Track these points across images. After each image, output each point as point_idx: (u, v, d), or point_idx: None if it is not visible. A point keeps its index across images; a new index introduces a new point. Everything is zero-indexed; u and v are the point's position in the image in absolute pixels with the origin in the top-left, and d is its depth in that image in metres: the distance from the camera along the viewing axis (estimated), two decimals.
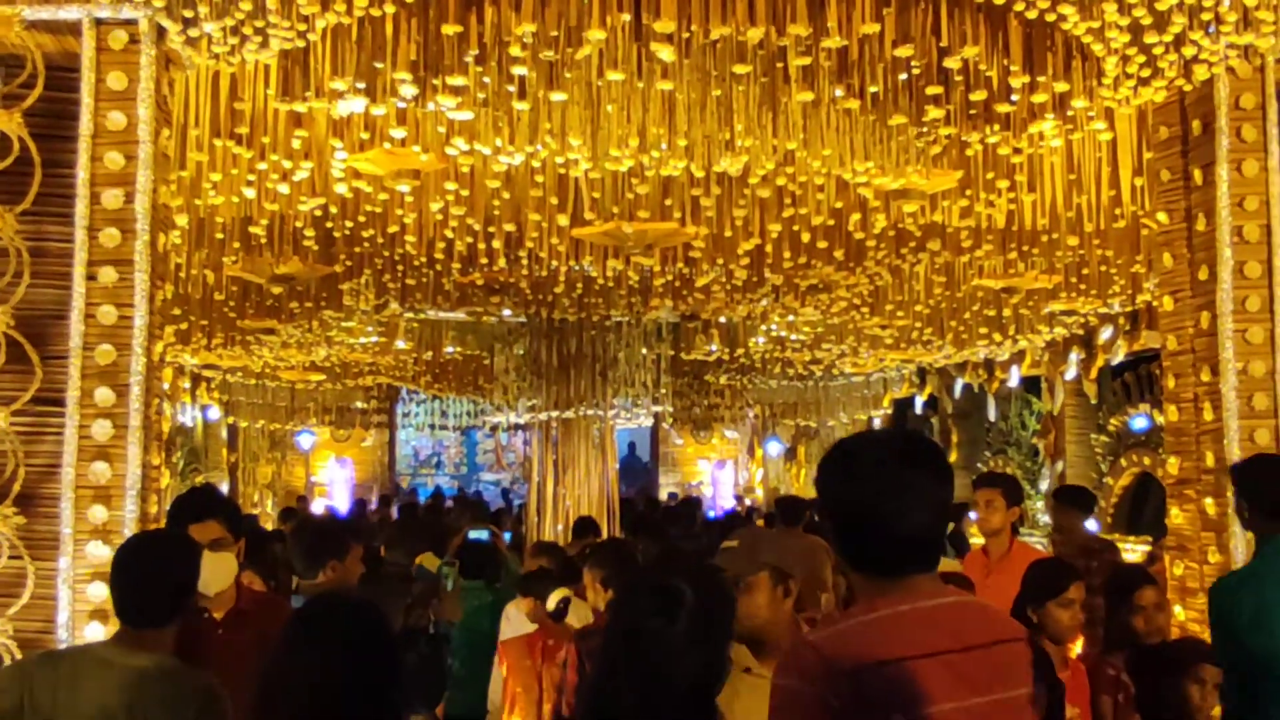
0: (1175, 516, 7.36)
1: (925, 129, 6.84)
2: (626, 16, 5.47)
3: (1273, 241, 6.89)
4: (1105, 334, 14.11)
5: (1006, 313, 13.13)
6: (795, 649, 2.90)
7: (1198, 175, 7.07)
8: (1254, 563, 5.56)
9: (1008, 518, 7.64)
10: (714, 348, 16.15)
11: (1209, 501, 6.93)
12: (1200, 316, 7.02)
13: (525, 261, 10.31)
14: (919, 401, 21.00)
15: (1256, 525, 5.53)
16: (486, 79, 6.15)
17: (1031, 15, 5.62)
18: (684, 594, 3.23)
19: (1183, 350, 7.27)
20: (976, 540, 11.73)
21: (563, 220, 8.44)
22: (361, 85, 6.09)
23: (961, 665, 2.71)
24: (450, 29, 5.59)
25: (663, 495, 26.68)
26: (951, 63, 5.84)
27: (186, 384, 17.95)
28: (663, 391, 15.80)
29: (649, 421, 17.95)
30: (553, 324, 14.50)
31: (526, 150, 7.02)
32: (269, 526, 17.62)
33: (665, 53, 5.52)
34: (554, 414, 14.86)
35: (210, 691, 3.89)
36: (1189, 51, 6.13)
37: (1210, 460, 6.92)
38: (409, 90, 6.05)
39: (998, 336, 14.28)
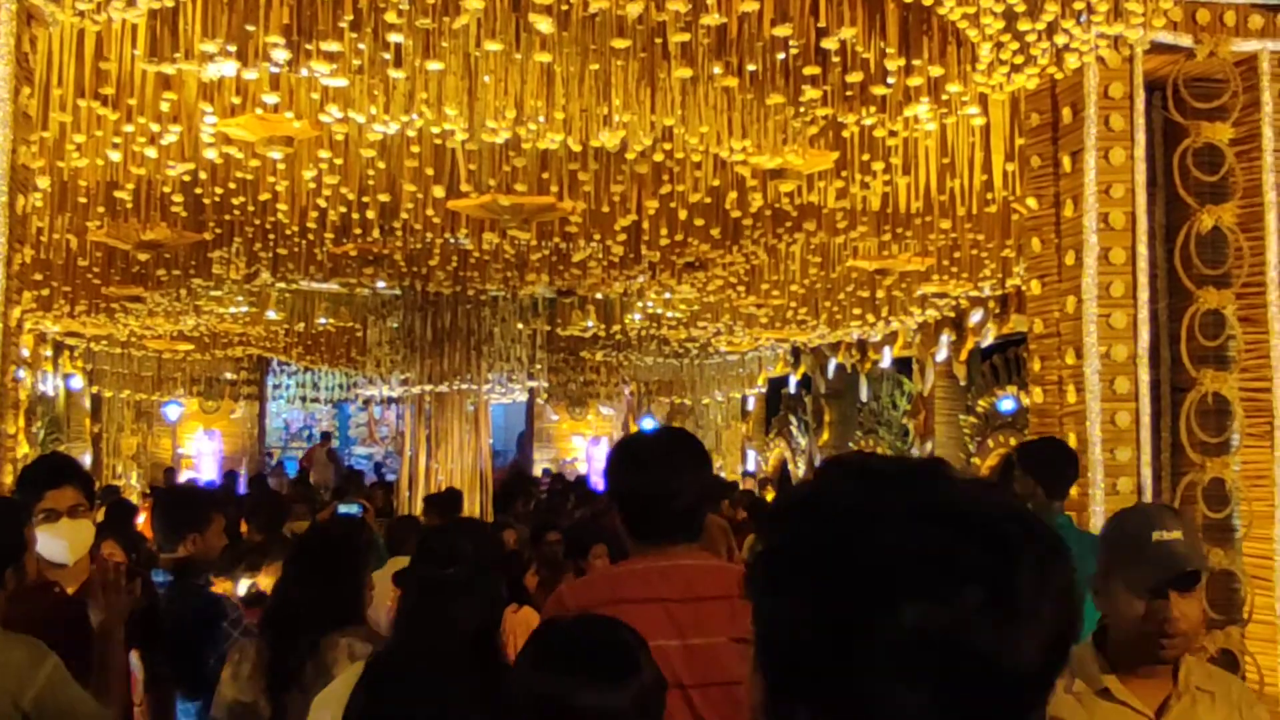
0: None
1: (802, 109, 6.86)
2: None
3: (1137, 229, 7.05)
4: (975, 317, 14.37)
5: (880, 294, 13.30)
6: (554, 595, 3.58)
7: (1067, 162, 7.20)
8: None
9: None
10: (590, 324, 16.14)
11: None
12: (1066, 301, 7.15)
13: (400, 233, 10.19)
14: (793, 380, 21.20)
15: (1041, 503, 6.02)
16: (362, 45, 6.04)
17: None
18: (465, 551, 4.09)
19: (1049, 333, 7.41)
20: None
21: (438, 192, 8.33)
22: (233, 48, 5.94)
23: (678, 612, 3.25)
24: None
25: (537, 471, 26.61)
26: (829, 43, 5.86)
27: (48, 351, 17.49)
28: (538, 367, 15.75)
29: (524, 397, 17.90)
30: (427, 297, 14.35)
31: (402, 119, 6.91)
32: (134, 499, 17.22)
33: (544, 24, 5.46)
34: (427, 388, 14.72)
35: (34, 653, 3.70)
36: (1061, 40, 6.23)
37: (1073, 442, 7.05)
38: (281, 55, 5.92)
39: (871, 317, 14.47)
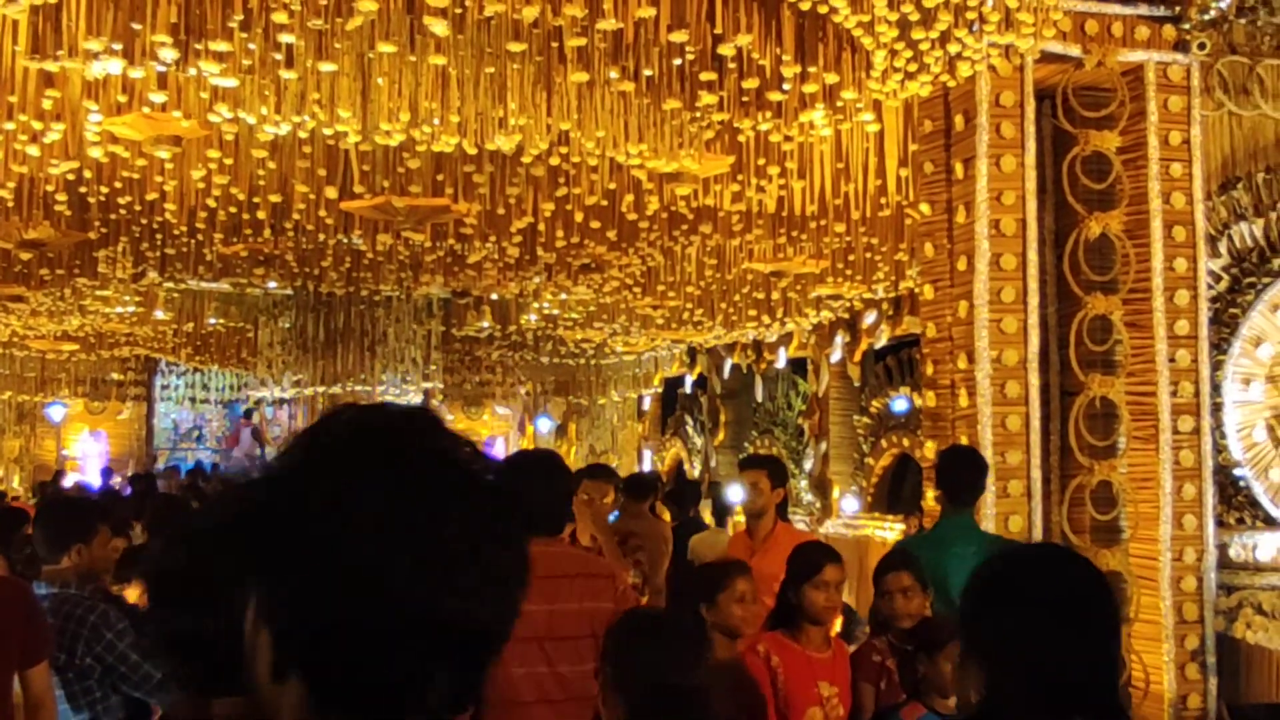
0: (930, 499, 7.59)
1: (699, 114, 6.86)
2: None
3: (1027, 235, 7.15)
4: (869, 318, 14.49)
5: (775, 296, 13.36)
6: None
7: (959, 169, 7.28)
8: (933, 530, 6.30)
9: (772, 499, 7.72)
10: (486, 324, 16.03)
11: None
12: (958, 305, 7.24)
13: (291, 233, 10.03)
14: (689, 380, 21.25)
15: (945, 507, 6.30)
16: (252, 45, 5.92)
17: (805, 6, 5.68)
18: None
19: (941, 338, 7.49)
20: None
21: (331, 193, 8.21)
22: (118, 47, 5.79)
23: (543, 585, 4.11)
24: None
25: None
26: (726, 50, 5.86)
27: None
28: (433, 368, 15.61)
29: (419, 398, 17.73)
30: (320, 297, 14.14)
31: (294, 120, 6.79)
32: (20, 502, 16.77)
33: (438, 27, 5.39)
34: (320, 389, 14.53)
35: None
36: (954, 49, 6.28)
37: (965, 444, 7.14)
38: (169, 54, 5.78)
39: (766, 318, 14.53)
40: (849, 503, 16.47)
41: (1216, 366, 8.12)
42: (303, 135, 7.42)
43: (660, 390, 22.98)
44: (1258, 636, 7.10)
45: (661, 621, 4.22)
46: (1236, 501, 8.30)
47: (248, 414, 28.71)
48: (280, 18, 5.47)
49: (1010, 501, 7.01)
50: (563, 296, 14.06)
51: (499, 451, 29.10)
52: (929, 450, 7.60)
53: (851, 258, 11.15)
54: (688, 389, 21.93)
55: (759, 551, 7.56)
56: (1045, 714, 2.52)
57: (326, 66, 6.05)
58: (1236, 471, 8.21)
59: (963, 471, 6.37)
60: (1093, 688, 2.55)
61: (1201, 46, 7.49)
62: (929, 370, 7.70)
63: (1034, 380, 7.12)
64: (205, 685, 2.32)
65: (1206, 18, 7.47)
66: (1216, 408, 8.03)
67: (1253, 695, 7.02)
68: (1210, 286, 8.16)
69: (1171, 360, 7.34)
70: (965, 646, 2.84)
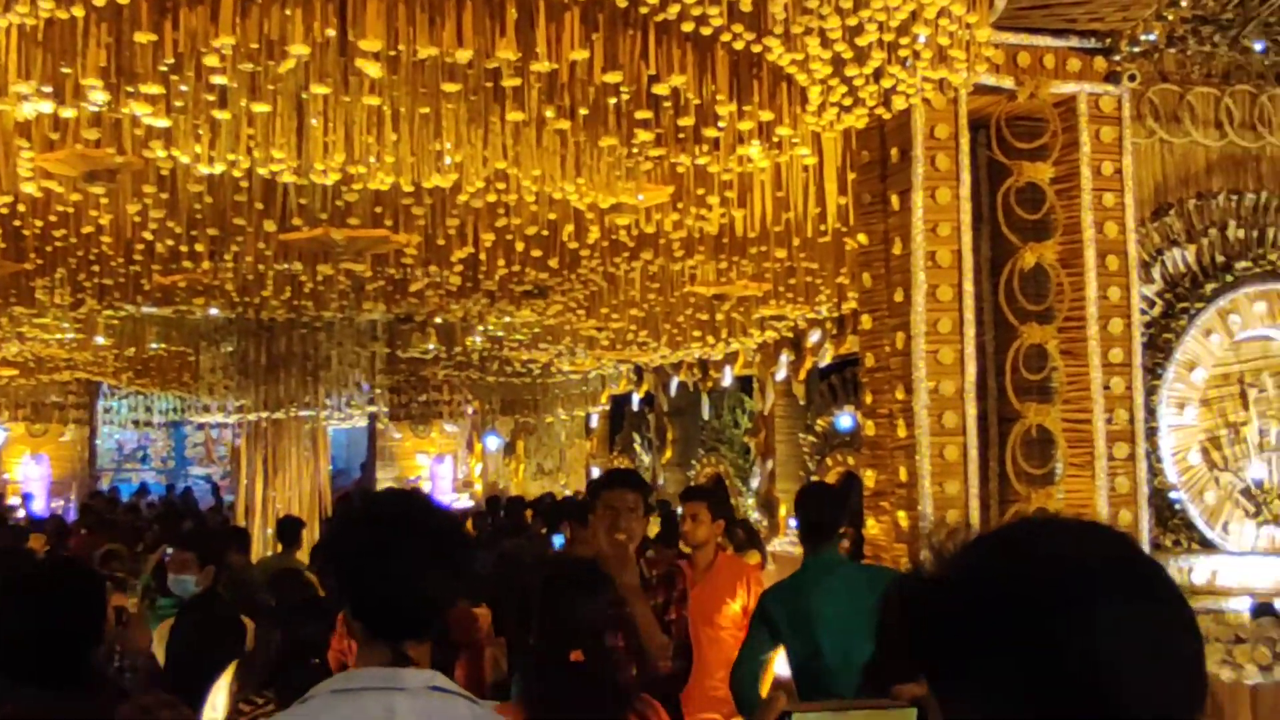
0: (871, 527, 7.63)
1: (636, 149, 6.88)
2: (332, 31, 5.30)
3: (963, 266, 7.20)
4: (814, 337, 14.56)
5: (719, 317, 13.40)
6: None
7: (895, 200, 7.33)
8: (795, 574, 6.23)
9: (713, 530, 7.75)
10: (431, 346, 15.99)
11: (901, 514, 7.21)
12: (896, 336, 7.28)
13: (231, 264, 9.96)
14: (635, 399, 21.27)
15: (805, 548, 6.24)
16: (184, 87, 5.89)
17: (738, 46, 5.70)
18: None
19: (880, 367, 7.54)
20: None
21: (269, 226, 8.17)
22: (48, 89, 5.74)
23: None
24: (143, 37, 5.31)
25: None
26: (660, 89, 5.88)
27: None
28: (377, 391, 15.53)
29: (363, 422, 17.66)
30: (261, 323, 14.04)
31: (229, 158, 6.75)
32: None
33: (371, 69, 5.38)
34: (264, 414, 14.43)
35: None
36: (887, 83, 6.33)
37: (904, 475, 7.19)
38: (99, 96, 5.74)
39: (711, 339, 14.56)
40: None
41: (1151, 391, 8.22)
42: (237, 174, 7.36)
43: (608, 408, 23.00)
44: None
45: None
46: (1173, 524, 8.40)
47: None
48: (211, 61, 5.44)
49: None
50: (507, 319, 14.04)
51: (447, 470, 29.07)
52: (869, 479, 7.64)
53: (793, 281, 11.20)
54: (635, 406, 21.96)
55: (700, 582, 7.58)
56: None
57: (260, 107, 6.02)
58: (1172, 495, 8.31)
59: (817, 511, 6.30)
60: None
61: (1132, 78, 7.58)
62: (868, 399, 7.74)
63: (971, 410, 7.17)
64: None
65: (1136, 49, 7.56)
66: (1151, 432, 8.12)
67: None
68: (1144, 312, 8.26)
69: (1106, 388, 7.41)
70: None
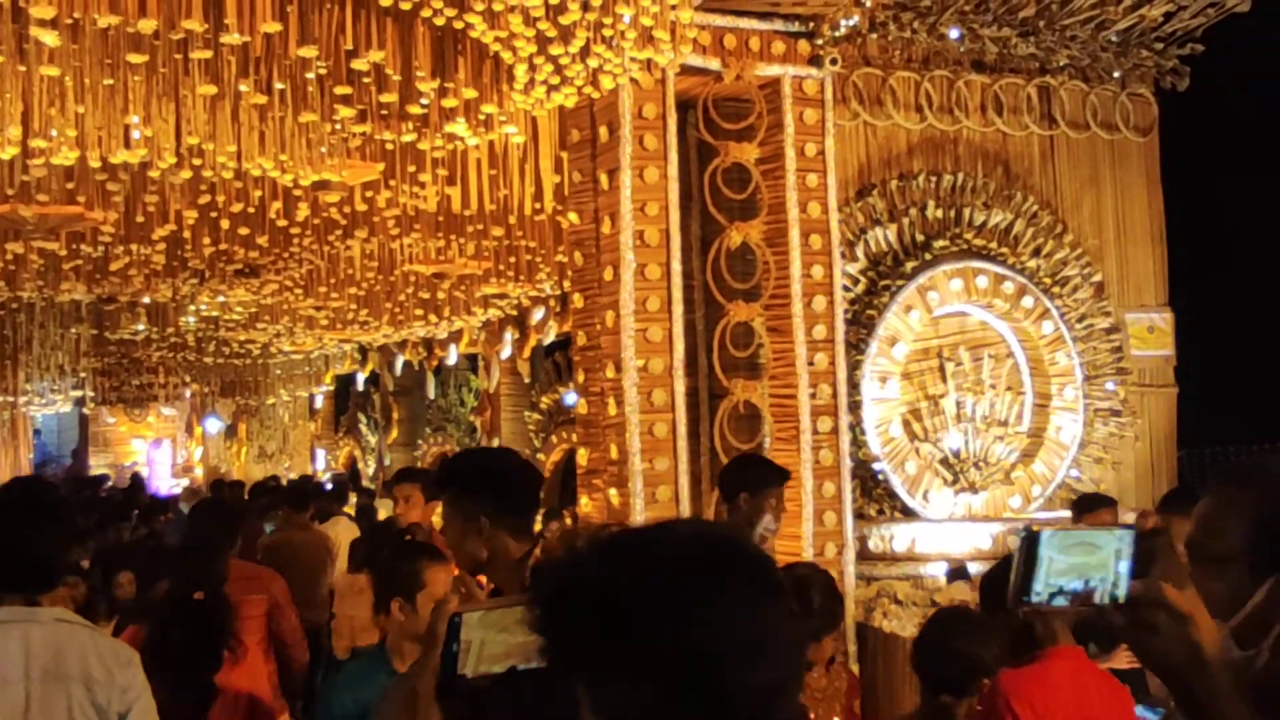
0: (585, 505, 7.67)
1: (338, 126, 6.71)
2: None
3: (671, 245, 7.28)
4: (537, 315, 14.55)
5: (441, 295, 13.27)
6: None
7: (605, 179, 7.36)
8: None
9: (426, 512, 7.67)
10: (141, 327, 15.34)
11: (613, 492, 7.25)
12: (606, 315, 7.31)
13: None
14: (360, 378, 20.93)
15: None
16: None
17: (439, 22, 5.61)
18: None
19: (591, 346, 7.56)
20: None
21: None
22: None
23: None
24: None
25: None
26: (359, 64, 5.73)
27: None
28: (83, 374, 14.84)
29: (69, 407, 16.86)
30: None
31: None
32: None
33: (48, 38, 5.08)
34: None
35: None
36: (594, 63, 6.31)
37: (614, 452, 7.24)
38: None
39: (433, 318, 14.42)
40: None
41: (855, 366, 8.50)
42: None
43: (332, 388, 22.57)
44: (892, 625, 7.46)
45: None
46: (876, 494, 8.73)
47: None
48: None
49: (659, 506, 7.13)
50: (221, 299, 13.57)
51: (165, 455, 28.05)
52: (582, 457, 7.67)
53: (513, 259, 11.16)
54: (360, 386, 21.60)
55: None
56: None
57: None
58: (875, 465, 8.63)
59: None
60: None
61: (835, 61, 7.78)
62: (580, 378, 7.78)
63: (680, 388, 7.26)
64: None
65: (839, 34, 7.76)
66: (855, 405, 8.40)
67: (889, 683, 7.37)
68: (848, 289, 8.53)
69: (811, 364, 7.61)
70: None
